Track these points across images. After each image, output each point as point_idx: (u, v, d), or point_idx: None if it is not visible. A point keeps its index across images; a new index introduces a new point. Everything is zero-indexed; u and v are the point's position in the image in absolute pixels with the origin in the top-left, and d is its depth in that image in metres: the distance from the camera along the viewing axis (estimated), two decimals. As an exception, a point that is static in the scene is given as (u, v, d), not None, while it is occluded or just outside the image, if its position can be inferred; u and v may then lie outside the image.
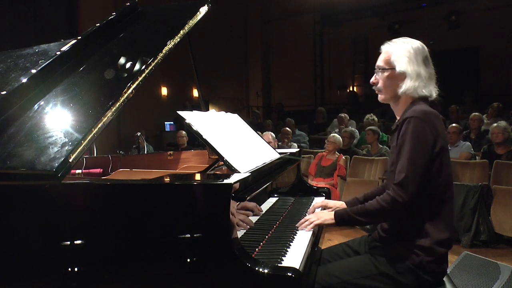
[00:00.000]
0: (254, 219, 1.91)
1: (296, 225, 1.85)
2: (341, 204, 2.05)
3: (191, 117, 1.90)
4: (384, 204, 1.61)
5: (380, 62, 1.79)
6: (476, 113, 6.22)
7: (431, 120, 1.62)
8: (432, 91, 1.74)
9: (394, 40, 1.80)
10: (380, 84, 1.79)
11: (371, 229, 4.53)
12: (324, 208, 2.02)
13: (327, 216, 1.78)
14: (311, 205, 2.10)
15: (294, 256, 1.53)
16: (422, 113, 1.62)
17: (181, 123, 7.20)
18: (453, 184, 1.74)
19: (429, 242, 1.62)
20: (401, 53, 1.73)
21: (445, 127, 6.00)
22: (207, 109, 2.46)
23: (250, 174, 1.65)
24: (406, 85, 1.70)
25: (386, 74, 1.76)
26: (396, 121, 1.79)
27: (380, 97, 1.82)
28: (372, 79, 1.82)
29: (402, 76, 1.71)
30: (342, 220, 1.74)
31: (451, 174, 1.71)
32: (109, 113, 1.61)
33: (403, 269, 1.63)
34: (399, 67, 1.71)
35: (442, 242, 1.63)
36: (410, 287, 1.63)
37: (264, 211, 2.11)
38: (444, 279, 1.73)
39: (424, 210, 1.63)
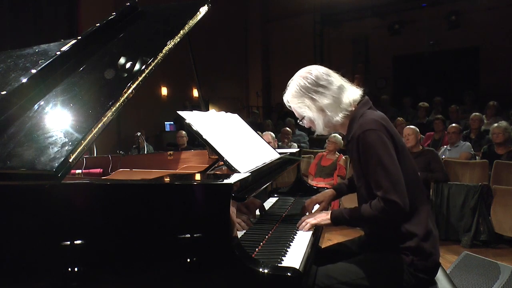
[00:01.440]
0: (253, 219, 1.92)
1: (296, 225, 1.86)
2: (331, 193, 2.08)
3: (191, 117, 1.90)
4: (377, 213, 1.60)
5: (295, 113, 1.83)
6: (476, 113, 6.22)
7: (381, 125, 1.63)
8: (349, 101, 1.72)
9: (288, 85, 1.79)
10: (312, 126, 1.81)
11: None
12: (315, 202, 2.05)
13: (324, 216, 1.80)
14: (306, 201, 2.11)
15: (294, 256, 1.53)
16: (371, 124, 1.62)
17: (181, 123, 7.20)
18: (419, 178, 1.75)
19: (414, 242, 1.63)
20: (297, 102, 1.76)
21: (445, 127, 6.04)
22: (207, 109, 2.46)
23: (250, 174, 1.65)
24: (320, 123, 1.74)
25: (305, 121, 1.80)
26: (345, 135, 1.80)
27: (323, 133, 1.85)
28: (305, 125, 1.85)
29: (312, 119, 1.75)
30: (337, 220, 1.74)
31: (415, 170, 1.72)
32: (109, 113, 1.61)
33: (398, 269, 1.64)
34: (306, 115, 1.75)
35: (426, 237, 1.64)
36: (408, 285, 1.64)
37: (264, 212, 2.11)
38: (443, 278, 1.73)
39: None
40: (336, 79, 1.75)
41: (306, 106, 1.73)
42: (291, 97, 1.77)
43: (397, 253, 1.65)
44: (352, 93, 1.75)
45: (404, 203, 1.55)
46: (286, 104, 1.83)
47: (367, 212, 1.63)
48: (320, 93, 1.70)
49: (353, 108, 1.74)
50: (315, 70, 1.75)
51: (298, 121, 1.84)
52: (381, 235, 1.73)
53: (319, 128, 1.76)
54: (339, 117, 1.71)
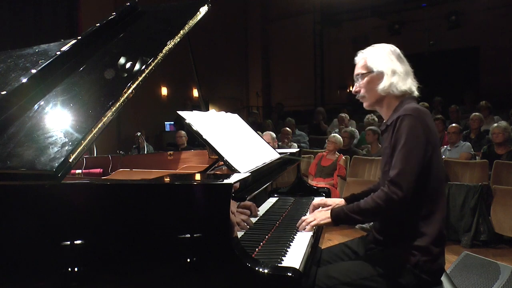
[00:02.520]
0: (254, 219, 1.91)
1: (296, 225, 1.85)
2: (340, 201, 2.04)
3: (191, 117, 1.90)
4: (379, 201, 1.61)
5: (357, 69, 1.83)
6: (476, 113, 6.22)
7: (423, 117, 1.64)
8: (411, 87, 1.78)
9: (365, 48, 1.85)
10: (362, 91, 1.82)
11: (370, 230, 4.54)
12: (323, 206, 2.02)
13: (324, 216, 1.79)
14: (311, 204, 2.09)
15: (294, 256, 1.53)
16: (414, 111, 1.65)
17: (181, 123, 7.20)
18: (443, 181, 1.75)
19: (424, 241, 1.63)
20: (375, 55, 1.79)
21: (445, 126, 6.03)
22: (207, 109, 2.46)
23: (250, 174, 1.65)
24: (384, 82, 1.74)
25: (365, 79, 1.80)
26: (385, 121, 1.81)
27: (365, 104, 1.85)
28: (354, 89, 1.86)
29: (380, 75, 1.75)
30: (338, 218, 1.74)
31: (442, 171, 1.72)
32: (109, 113, 1.61)
33: (401, 269, 1.63)
34: (376, 68, 1.76)
35: (437, 240, 1.64)
36: (409, 287, 1.63)
37: (264, 211, 2.10)
38: (443, 278, 1.73)
39: (418, 209, 1.64)
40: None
41: (383, 60, 1.76)
42: (372, 51, 1.81)
43: (403, 252, 1.64)
44: (414, 84, 1.80)
45: (407, 192, 1.56)
46: (358, 56, 1.84)
47: (368, 203, 1.64)
48: (397, 61, 1.77)
49: (408, 93, 1.77)
50: (397, 48, 1.84)
51: (355, 77, 1.83)
52: (392, 231, 1.72)
53: (382, 86, 1.74)
54: (401, 88, 1.74)
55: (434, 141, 1.66)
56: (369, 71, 1.78)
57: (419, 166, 1.59)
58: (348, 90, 12.89)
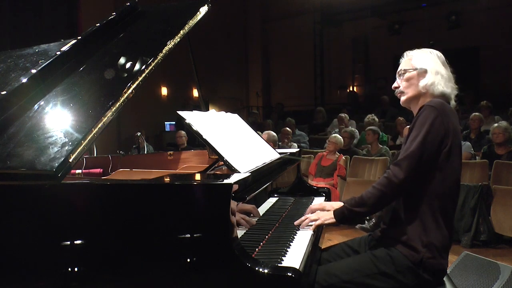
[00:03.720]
0: (254, 219, 1.91)
1: (295, 223, 1.84)
2: (338, 205, 2.03)
3: (191, 117, 1.90)
4: (380, 187, 1.62)
5: (402, 66, 1.85)
6: (476, 113, 6.22)
7: (446, 113, 1.64)
8: (451, 92, 1.78)
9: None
10: (402, 86, 1.83)
11: (372, 229, 4.54)
12: (322, 210, 2.00)
13: (327, 216, 1.79)
14: (309, 208, 2.08)
15: (294, 256, 1.53)
16: (438, 104, 1.65)
17: (182, 123, 7.20)
18: (459, 183, 1.75)
19: (431, 238, 1.62)
20: (422, 54, 1.81)
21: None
22: (207, 109, 2.46)
23: (250, 174, 1.65)
24: (427, 80, 1.75)
25: (408, 75, 1.81)
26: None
27: (402, 99, 1.85)
28: (394, 84, 1.87)
29: (424, 73, 1.77)
30: (342, 216, 1.74)
31: (459, 173, 1.72)
32: (109, 113, 1.61)
33: (403, 268, 1.62)
34: (420, 65, 1.78)
35: (442, 239, 1.63)
36: (410, 286, 1.63)
37: (264, 211, 2.10)
38: (444, 279, 1.73)
39: (428, 205, 1.63)
40: None
41: (428, 60, 1.78)
42: (420, 51, 1.83)
43: (407, 249, 1.63)
44: (453, 92, 1.79)
45: (406, 174, 1.58)
46: (405, 55, 1.86)
47: (369, 192, 1.66)
48: (442, 65, 1.79)
49: (446, 96, 1.77)
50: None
51: (398, 73, 1.84)
52: (401, 225, 1.70)
53: (424, 83, 1.75)
54: (443, 89, 1.75)
55: (454, 140, 1.65)
56: (413, 68, 1.80)
57: (430, 154, 1.59)
58: (348, 90, 12.91)
